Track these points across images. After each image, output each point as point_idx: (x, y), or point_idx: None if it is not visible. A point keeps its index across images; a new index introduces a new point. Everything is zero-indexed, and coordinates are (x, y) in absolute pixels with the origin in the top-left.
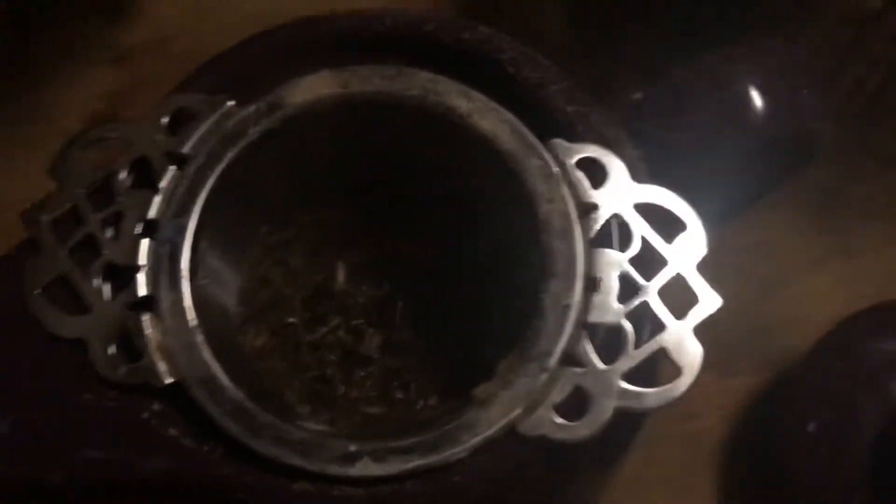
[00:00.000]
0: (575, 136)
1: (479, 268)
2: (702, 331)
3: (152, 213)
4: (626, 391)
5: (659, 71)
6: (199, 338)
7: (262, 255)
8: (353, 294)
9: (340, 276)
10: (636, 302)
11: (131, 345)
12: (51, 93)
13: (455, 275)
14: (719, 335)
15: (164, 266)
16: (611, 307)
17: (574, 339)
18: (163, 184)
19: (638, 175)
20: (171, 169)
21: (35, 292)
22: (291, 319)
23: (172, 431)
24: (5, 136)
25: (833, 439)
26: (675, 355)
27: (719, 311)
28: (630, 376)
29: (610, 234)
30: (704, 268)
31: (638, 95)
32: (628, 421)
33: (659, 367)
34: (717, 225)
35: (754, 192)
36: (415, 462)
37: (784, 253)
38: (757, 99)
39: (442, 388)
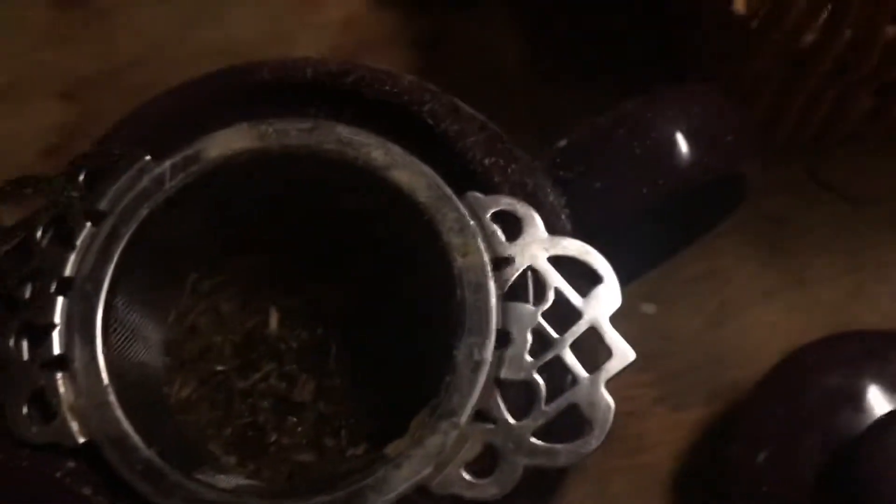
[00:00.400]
0: (491, 188)
1: (403, 316)
2: (649, 364)
3: (68, 270)
4: (536, 448)
5: (584, 117)
6: (112, 397)
7: (191, 303)
8: (286, 339)
9: (273, 321)
10: (548, 356)
11: (45, 404)
12: (3, 125)
13: (383, 321)
14: (670, 366)
15: (78, 324)
16: (523, 362)
17: (486, 396)
18: (79, 241)
19: (557, 225)
20: (88, 226)
21: None
22: (221, 367)
23: (86, 490)
24: None
25: (778, 474)
26: (586, 411)
27: (668, 341)
28: (542, 432)
29: (525, 287)
30: (654, 297)
31: (561, 143)
32: (546, 475)
33: (574, 420)
34: (641, 272)
35: (680, 240)
36: None
37: (735, 282)
38: (679, 146)
39: (370, 436)
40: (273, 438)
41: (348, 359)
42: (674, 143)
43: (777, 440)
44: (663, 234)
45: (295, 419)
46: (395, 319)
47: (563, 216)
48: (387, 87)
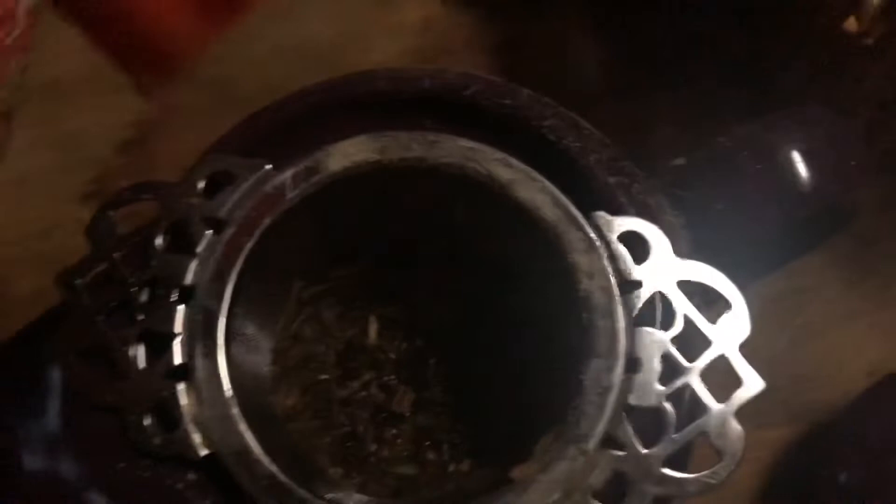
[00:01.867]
0: (617, 208)
1: (513, 334)
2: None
3: (188, 279)
4: (666, 477)
5: (700, 137)
6: (235, 409)
7: (296, 310)
8: (385, 349)
9: (372, 331)
10: (678, 383)
11: (166, 414)
12: (80, 120)
13: (487, 335)
14: None
15: (200, 334)
16: (653, 389)
17: (615, 422)
18: (199, 249)
19: (680, 246)
20: (208, 233)
21: (70, 359)
22: (323, 376)
23: (207, 503)
24: (40, 162)
25: (867, 497)
26: (717, 441)
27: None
28: (668, 461)
29: (652, 312)
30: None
31: (679, 161)
32: None
33: (692, 450)
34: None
35: (788, 257)
36: None
37: (819, 302)
38: (804, 170)
39: (475, 453)
40: (372, 449)
41: (447, 372)
42: (798, 168)
43: (868, 461)
44: (765, 255)
45: (394, 431)
46: (499, 337)
47: (682, 237)
48: (507, 101)
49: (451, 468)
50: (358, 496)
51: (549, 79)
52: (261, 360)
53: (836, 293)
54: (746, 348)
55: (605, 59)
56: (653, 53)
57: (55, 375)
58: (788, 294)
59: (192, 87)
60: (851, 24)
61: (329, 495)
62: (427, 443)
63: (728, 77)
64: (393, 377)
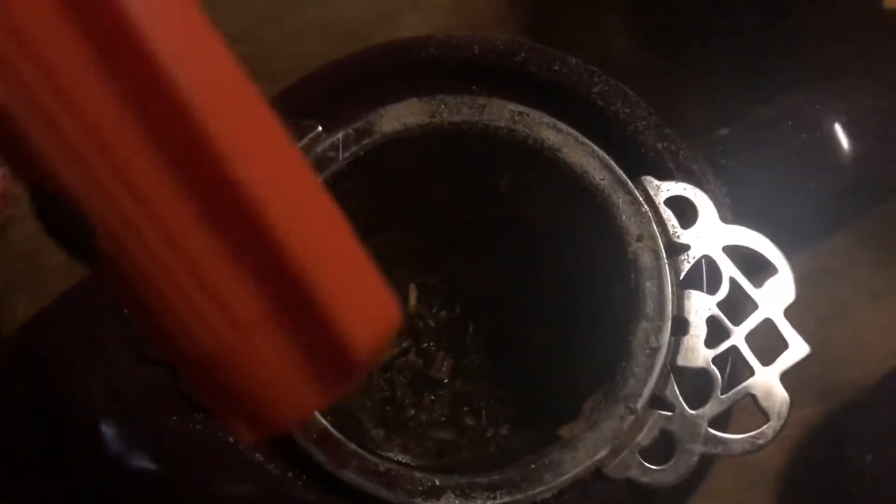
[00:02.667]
0: (664, 173)
1: (552, 299)
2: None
3: None
4: (712, 437)
5: (740, 107)
6: None
7: None
8: (424, 316)
9: (412, 297)
10: (724, 346)
11: None
12: None
13: (528, 304)
14: None
15: None
16: (699, 351)
17: (662, 382)
18: None
19: (724, 214)
20: None
21: (123, 314)
22: None
23: (258, 457)
24: None
25: (893, 475)
26: (763, 402)
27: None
28: (713, 421)
29: (699, 275)
30: None
31: (723, 131)
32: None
33: (731, 414)
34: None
35: (829, 229)
36: (500, 500)
37: (846, 283)
38: (847, 140)
39: (514, 418)
40: (411, 413)
41: (486, 339)
42: (842, 138)
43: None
44: (806, 226)
45: (432, 396)
46: (538, 303)
47: (725, 205)
48: (556, 67)
49: (490, 433)
50: (403, 455)
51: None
52: None
53: (864, 274)
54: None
55: (636, 40)
56: (683, 34)
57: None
58: (817, 274)
59: None
60: (891, 2)
61: (378, 452)
62: (465, 408)
63: (759, 56)
64: (432, 344)
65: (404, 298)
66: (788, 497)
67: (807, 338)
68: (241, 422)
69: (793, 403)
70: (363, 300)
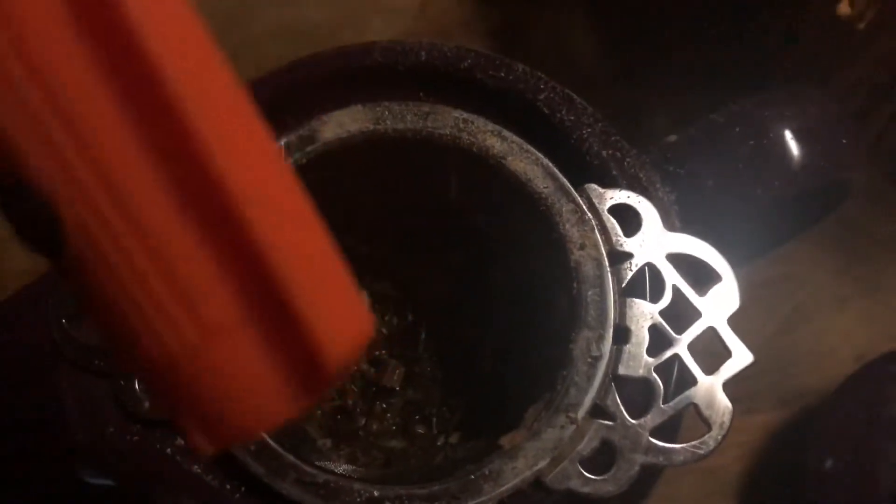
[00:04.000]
0: (608, 181)
1: (502, 307)
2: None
3: None
4: (653, 446)
5: (696, 113)
6: None
7: None
8: (375, 324)
9: None
10: (667, 355)
11: None
12: None
13: (478, 311)
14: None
15: None
16: (641, 360)
17: (603, 392)
18: None
19: (670, 221)
20: None
21: (61, 323)
22: None
23: (196, 469)
24: None
25: (853, 482)
26: (705, 411)
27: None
28: (656, 431)
29: (642, 284)
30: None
31: (672, 138)
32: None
33: (681, 423)
34: (738, 267)
35: (779, 237)
36: None
37: (809, 288)
38: (795, 148)
39: (463, 426)
40: (362, 423)
41: (438, 347)
42: (790, 145)
43: (853, 448)
44: (755, 234)
45: (384, 405)
46: (488, 310)
47: (673, 212)
48: (502, 74)
49: (441, 441)
50: (346, 465)
51: (543, 64)
52: None
53: (824, 279)
54: (735, 324)
55: (600, 45)
56: (647, 40)
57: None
58: (777, 280)
59: None
60: (844, 8)
61: (318, 463)
62: (416, 416)
63: (721, 62)
64: (384, 352)
65: None
66: (748, 502)
67: (767, 342)
68: (200, 432)
69: (754, 408)
70: (337, 309)
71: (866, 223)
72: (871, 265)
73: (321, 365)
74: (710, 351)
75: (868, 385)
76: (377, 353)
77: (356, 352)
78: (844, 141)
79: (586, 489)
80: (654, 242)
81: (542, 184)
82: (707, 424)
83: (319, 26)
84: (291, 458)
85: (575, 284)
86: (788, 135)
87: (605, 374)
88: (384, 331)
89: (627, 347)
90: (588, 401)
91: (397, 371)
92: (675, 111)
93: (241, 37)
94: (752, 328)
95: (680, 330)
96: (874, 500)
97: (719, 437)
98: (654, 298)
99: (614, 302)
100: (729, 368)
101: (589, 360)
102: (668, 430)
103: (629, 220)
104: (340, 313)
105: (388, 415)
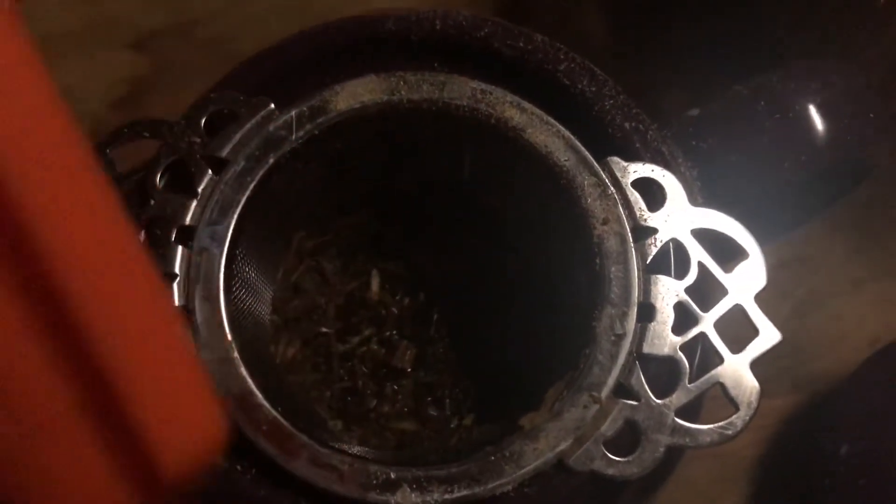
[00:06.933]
0: (631, 154)
1: (519, 285)
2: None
3: (188, 219)
4: (679, 427)
5: (715, 88)
6: (235, 353)
7: (297, 261)
8: (387, 304)
9: (374, 284)
10: (692, 333)
11: None
12: (71, 76)
13: (492, 291)
14: None
15: (200, 276)
16: (666, 338)
17: (627, 371)
18: (200, 188)
19: (694, 196)
20: (209, 173)
21: None
22: (324, 329)
23: None
24: None
25: (869, 466)
26: (732, 391)
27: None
28: (681, 411)
29: (667, 260)
30: None
31: (694, 112)
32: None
33: (703, 404)
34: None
35: (801, 215)
36: (457, 493)
37: (823, 271)
38: (821, 122)
39: (477, 408)
40: (372, 405)
41: (450, 328)
42: (814, 120)
43: (870, 433)
44: (778, 212)
45: (395, 386)
46: (504, 291)
47: (695, 188)
48: (521, 44)
49: (454, 423)
50: (359, 448)
51: (547, 15)
52: (261, 309)
53: (840, 262)
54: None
55: (609, 22)
56: (657, 15)
57: None
58: (793, 262)
59: (190, 46)
60: None
61: (331, 444)
62: (428, 398)
63: (736, 37)
64: (394, 332)
65: (366, 285)
66: (762, 488)
67: (781, 326)
68: None
69: (767, 393)
70: (180, 414)
71: (881, 204)
72: (886, 247)
73: (158, 470)
74: (734, 331)
75: (883, 370)
76: (388, 333)
77: (203, 458)
78: (871, 115)
79: (610, 471)
80: (679, 217)
81: (563, 156)
82: (734, 405)
83: (323, 3)
84: (305, 438)
85: (598, 260)
86: (813, 109)
87: (630, 353)
88: (395, 311)
89: (652, 325)
90: (612, 380)
91: (408, 352)
92: (689, 87)
93: (245, 14)
94: (765, 311)
95: (706, 308)
96: (890, 486)
97: (747, 418)
98: (679, 275)
99: (638, 279)
100: (756, 347)
101: (612, 337)
102: (690, 411)
103: (653, 194)
104: (184, 419)
105: (400, 396)
